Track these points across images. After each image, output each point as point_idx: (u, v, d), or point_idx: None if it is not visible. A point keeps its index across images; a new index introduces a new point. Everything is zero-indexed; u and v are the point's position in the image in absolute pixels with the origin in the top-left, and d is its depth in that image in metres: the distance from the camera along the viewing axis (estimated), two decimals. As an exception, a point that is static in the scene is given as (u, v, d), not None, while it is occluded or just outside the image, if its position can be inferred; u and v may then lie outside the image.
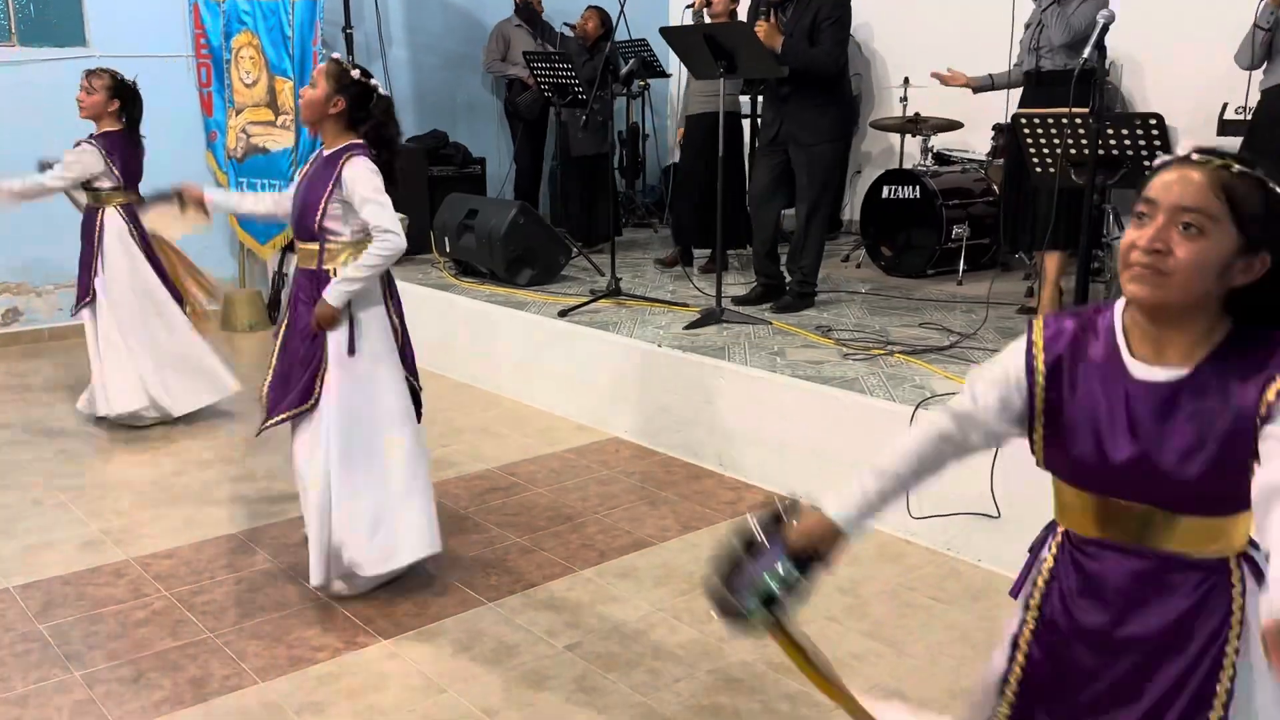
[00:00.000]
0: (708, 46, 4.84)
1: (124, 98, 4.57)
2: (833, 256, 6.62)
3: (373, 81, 3.21)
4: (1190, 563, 1.49)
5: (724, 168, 4.99)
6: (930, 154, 6.57)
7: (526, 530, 3.78)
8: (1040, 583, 1.63)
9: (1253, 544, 1.54)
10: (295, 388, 3.17)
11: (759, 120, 6.28)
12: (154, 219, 3.64)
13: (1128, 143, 3.90)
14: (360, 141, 3.16)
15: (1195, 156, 1.44)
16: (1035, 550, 1.69)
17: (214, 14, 6.74)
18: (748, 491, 4.10)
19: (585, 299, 5.42)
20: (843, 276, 6.29)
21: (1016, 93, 5.16)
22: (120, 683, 2.81)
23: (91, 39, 6.38)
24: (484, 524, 3.83)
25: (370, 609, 3.19)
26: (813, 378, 4.07)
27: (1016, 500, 3.26)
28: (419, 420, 3.38)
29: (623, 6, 5.77)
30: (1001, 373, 1.59)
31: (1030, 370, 1.56)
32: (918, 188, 6.13)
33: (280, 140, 6.63)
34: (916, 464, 1.67)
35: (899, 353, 4.38)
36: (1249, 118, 5.07)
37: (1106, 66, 3.99)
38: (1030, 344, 1.57)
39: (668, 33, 5.30)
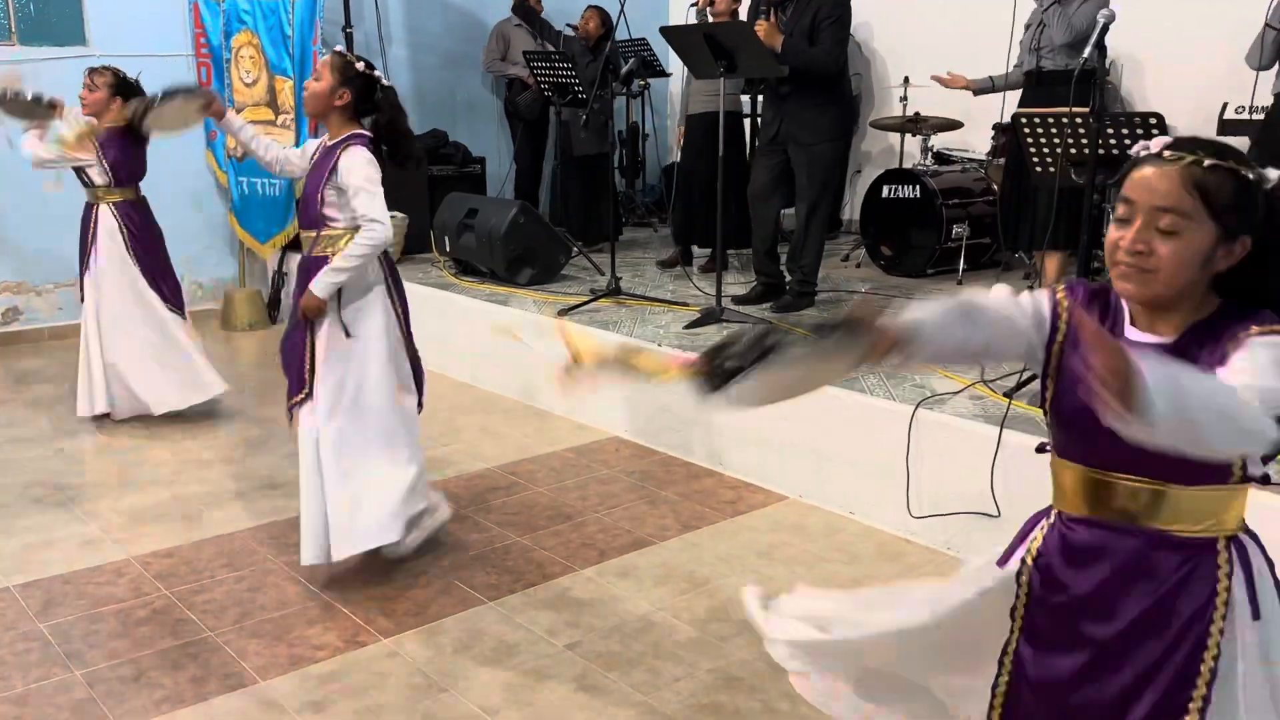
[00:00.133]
0: (708, 46, 4.84)
1: (126, 95, 4.57)
2: (833, 256, 6.62)
3: (376, 73, 3.23)
4: (1177, 541, 1.53)
5: (724, 167, 4.99)
6: (930, 153, 6.56)
7: (526, 529, 3.78)
8: (1029, 560, 1.68)
9: (1246, 529, 1.58)
10: (292, 378, 3.29)
11: (759, 120, 6.28)
12: (163, 115, 3.60)
13: (1128, 142, 3.90)
14: (362, 131, 3.19)
15: (1167, 154, 1.47)
16: (1027, 527, 1.74)
17: (214, 13, 6.74)
18: (747, 491, 4.09)
19: (585, 298, 5.42)
20: (843, 276, 6.28)
21: (1017, 93, 5.16)
22: (120, 682, 2.82)
23: (91, 38, 6.37)
24: (484, 523, 3.83)
25: (371, 608, 3.20)
26: (813, 377, 4.06)
27: (1016, 500, 3.25)
28: (419, 410, 3.44)
29: (623, 6, 5.77)
30: (1033, 305, 1.63)
31: (1054, 315, 1.62)
32: (918, 187, 6.12)
33: (280, 139, 6.62)
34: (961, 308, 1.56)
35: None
36: (1250, 117, 5.07)
37: (1107, 66, 3.99)
38: (1055, 299, 1.63)
39: (668, 32, 5.30)
